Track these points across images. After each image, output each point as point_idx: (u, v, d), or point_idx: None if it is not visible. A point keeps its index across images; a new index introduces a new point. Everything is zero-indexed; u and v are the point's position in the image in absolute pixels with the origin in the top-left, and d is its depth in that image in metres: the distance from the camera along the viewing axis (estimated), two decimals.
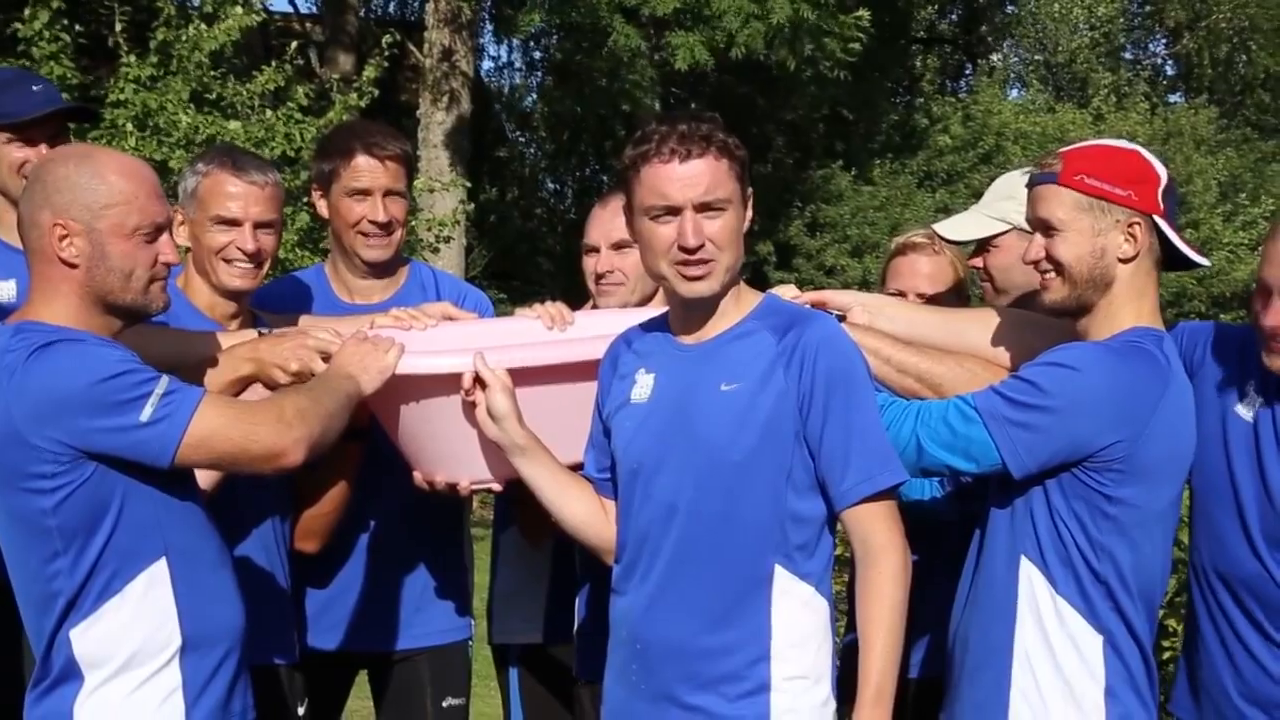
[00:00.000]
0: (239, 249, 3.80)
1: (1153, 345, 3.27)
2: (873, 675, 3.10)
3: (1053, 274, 3.31)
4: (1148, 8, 28.26)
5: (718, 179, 3.16)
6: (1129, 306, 3.32)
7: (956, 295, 4.21)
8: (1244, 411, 3.34)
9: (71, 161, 3.17)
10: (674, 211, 3.15)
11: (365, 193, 4.10)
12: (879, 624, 3.11)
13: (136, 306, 3.18)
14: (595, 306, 4.20)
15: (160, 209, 3.20)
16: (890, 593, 3.12)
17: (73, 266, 3.12)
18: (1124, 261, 3.30)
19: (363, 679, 4.35)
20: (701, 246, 3.15)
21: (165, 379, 3.07)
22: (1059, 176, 3.29)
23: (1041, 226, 3.32)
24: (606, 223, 4.02)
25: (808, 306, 3.43)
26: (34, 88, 4.49)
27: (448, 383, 3.41)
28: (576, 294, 4.42)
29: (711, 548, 3.16)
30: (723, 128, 3.20)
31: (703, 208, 3.15)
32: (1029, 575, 3.27)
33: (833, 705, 3.21)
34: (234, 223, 3.80)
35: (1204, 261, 3.53)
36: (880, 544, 3.14)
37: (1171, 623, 5.43)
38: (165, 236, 3.21)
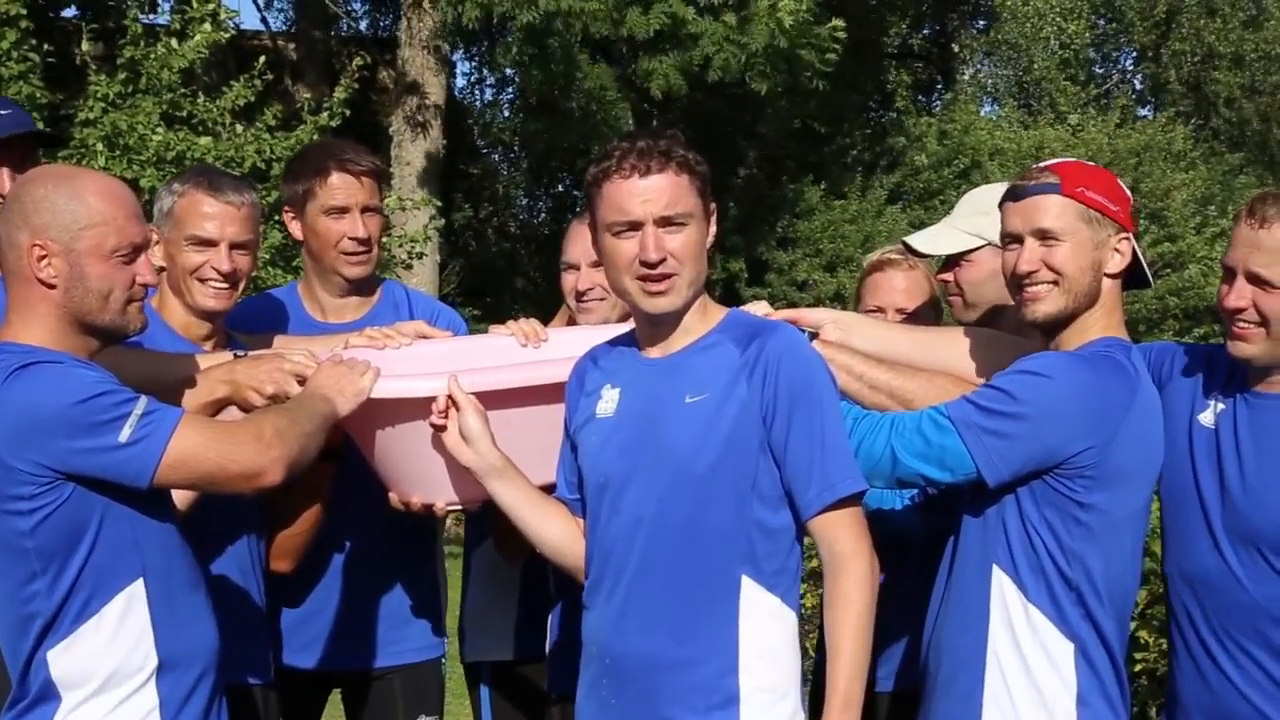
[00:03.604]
0: (214, 269, 3.81)
1: (1121, 355, 3.33)
2: (840, 682, 3.11)
3: (1048, 285, 3.34)
4: (1114, 25, 28.49)
5: (678, 194, 3.18)
6: (1101, 320, 3.37)
7: (933, 310, 4.23)
8: (1207, 419, 3.40)
9: (50, 182, 3.18)
10: (635, 227, 3.18)
11: (343, 210, 4.11)
12: (846, 630, 3.12)
13: (114, 327, 3.19)
14: (572, 322, 4.21)
15: (138, 230, 3.20)
16: (857, 599, 3.13)
17: (51, 287, 3.12)
18: (1109, 276, 3.35)
19: (335, 698, 4.35)
20: (663, 260, 3.17)
21: (144, 399, 3.08)
22: (1061, 188, 3.33)
23: (1039, 236, 3.34)
24: (586, 240, 4.02)
25: (774, 319, 3.45)
26: (2, 111, 4.48)
27: (423, 406, 3.42)
28: (551, 310, 4.43)
29: (677, 558, 3.17)
30: (683, 144, 3.22)
31: (663, 222, 3.17)
32: (1000, 584, 3.30)
33: (801, 717, 3.22)
34: (209, 243, 3.81)
35: (1152, 283, 3.59)
36: (846, 551, 3.15)
37: (1144, 634, 5.47)
38: (143, 258, 3.21)
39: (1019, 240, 3.37)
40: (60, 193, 3.14)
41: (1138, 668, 5.49)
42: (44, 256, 3.12)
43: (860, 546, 3.16)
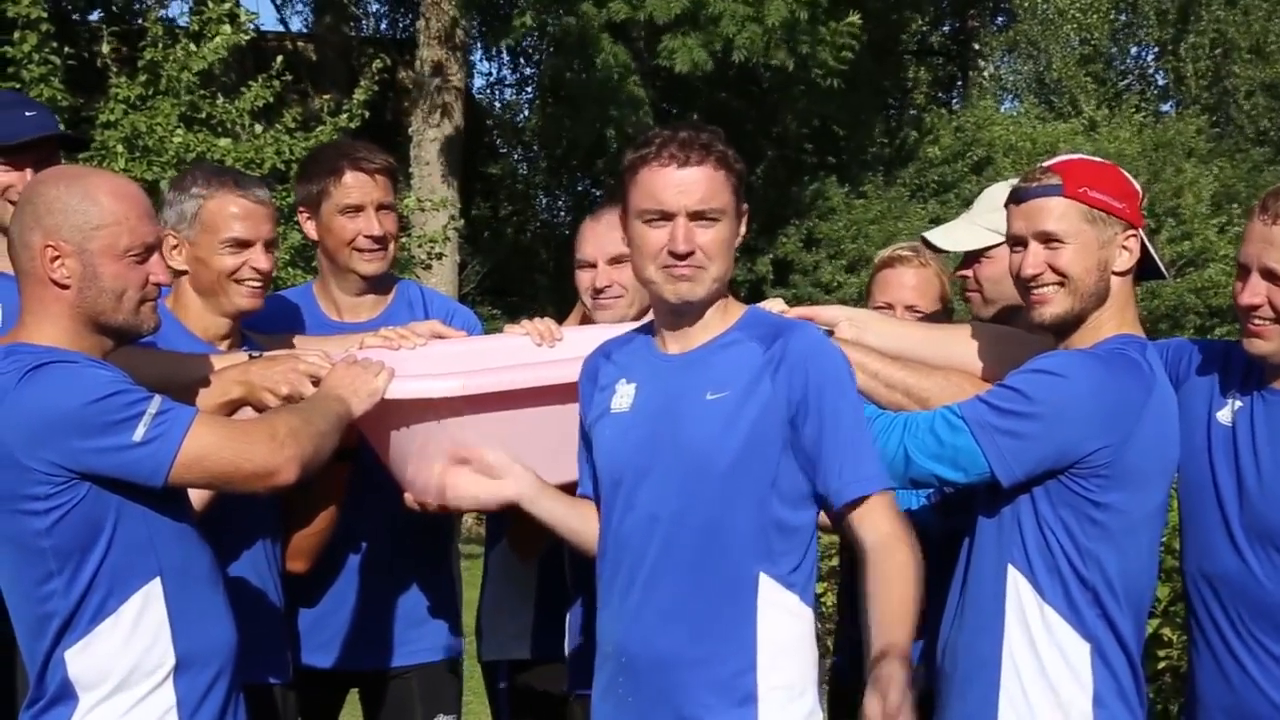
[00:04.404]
0: (253, 268, 3.81)
1: (1136, 352, 3.31)
2: (896, 648, 3.00)
3: (1054, 287, 3.32)
4: (1133, 16, 28.42)
5: (714, 189, 3.16)
6: (1115, 318, 3.36)
7: (944, 312, 4.22)
8: (1224, 417, 3.37)
9: (62, 183, 3.18)
10: (667, 217, 3.16)
11: (358, 208, 4.12)
12: (895, 613, 3.02)
13: (128, 327, 3.20)
14: (587, 320, 4.20)
15: (151, 229, 3.21)
16: (905, 579, 3.05)
17: (64, 288, 3.13)
18: (1118, 274, 3.33)
19: (354, 697, 4.35)
20: (691, 254, 3.15)
21: (158, 399, 3.08)
22: (1063, 190, 3.30)
23: (1043, 239, 3.32)
24: (601, 237, 4.01)
25: (791, 317, 3.44)
26: (28, 113, 4.49)
27: (437, 406, 3.42)
28: (571, 308, 4.42)
29: (695, 556, 3.15)
30: (723, 139, 3.20)
31: (696, 216, 3.15)
32: (1016, 584, 3.29)
33: (819, 716, 3.21)
34: (246, 244, 3.81)
35: (1167, 275, 3.56)
36: (891, 532, 3.09)
37: (1166, 632, 5.44)
38: (156, 257, 3.22)
39: (1023, 243, 3.36)
40: (72, 193, 3.15)
41: (1161, 665, 5.45)
42: (57, 257, 3.12)
43: (903, 532, 3.11)
